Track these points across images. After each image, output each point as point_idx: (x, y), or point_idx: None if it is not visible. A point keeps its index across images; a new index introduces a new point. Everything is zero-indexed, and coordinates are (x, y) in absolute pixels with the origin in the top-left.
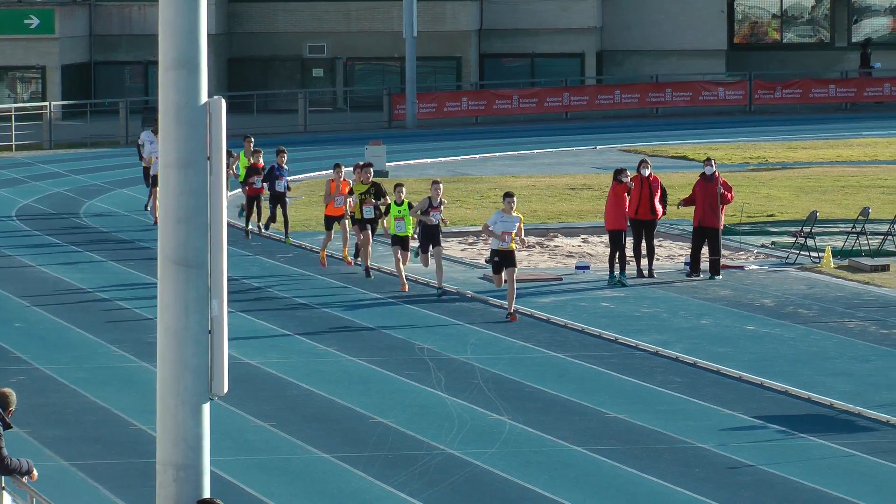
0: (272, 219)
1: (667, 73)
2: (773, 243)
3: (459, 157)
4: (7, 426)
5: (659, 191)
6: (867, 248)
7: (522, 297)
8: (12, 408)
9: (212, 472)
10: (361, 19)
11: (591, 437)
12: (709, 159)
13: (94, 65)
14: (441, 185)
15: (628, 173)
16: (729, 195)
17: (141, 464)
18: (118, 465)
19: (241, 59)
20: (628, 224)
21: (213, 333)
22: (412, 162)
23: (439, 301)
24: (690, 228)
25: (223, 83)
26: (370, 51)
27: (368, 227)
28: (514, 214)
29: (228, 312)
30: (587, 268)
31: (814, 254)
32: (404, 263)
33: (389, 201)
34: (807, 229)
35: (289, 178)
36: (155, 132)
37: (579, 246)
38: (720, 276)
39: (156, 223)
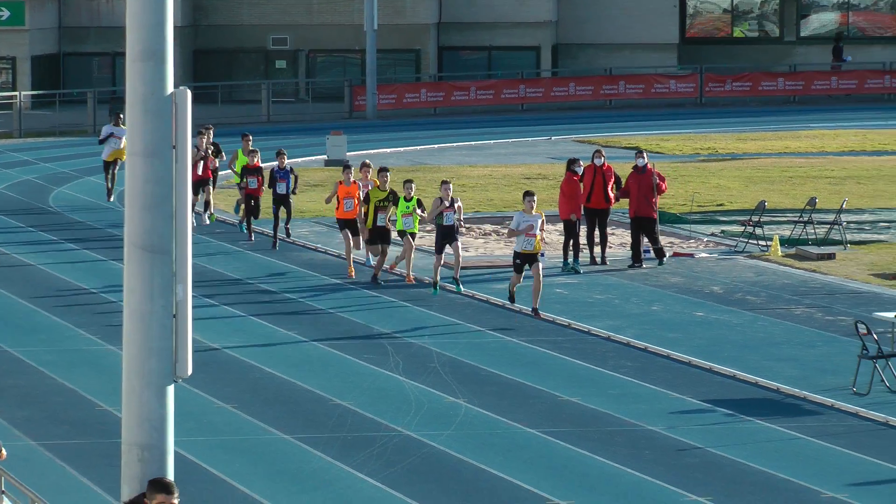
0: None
1: (620, 66)
2: (722, 232)
3: (418, 147)
4: None
5: (612, 180)
6: (814, 237)
7: (479, 283)
8: None
9: (176, 452)
10: (323, 12)
11: (545, 420)
12: (640, 151)
13: (63, 56)
14: (450, 184)
15: (581, 164)
16: (663, 185)
17: (107, 444)
18: (85, 446)
19: (206, 50)
20: (582, 212)
21: (178, 317)
22: (372, 151)
23: (398, 287)
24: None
25: (189, 74)
26: (332, 43)
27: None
28: (535, 213)
29: (193, 297)
30: (542, 255)
31: (762, 242)
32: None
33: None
34: (755, 218)
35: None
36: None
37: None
38: (665, 262)
39: None
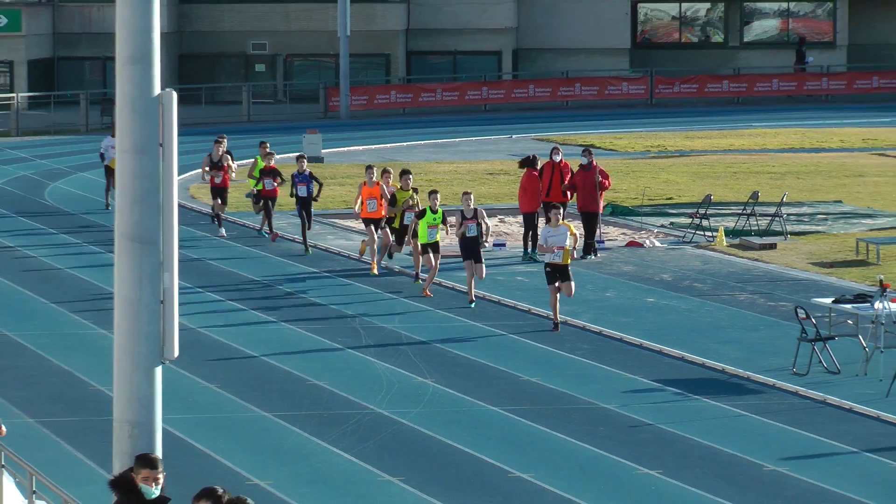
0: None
1: (576, 70)
2: (671, 224)
3: (388, 145)
4: None
5: (569, 175)
6: (756, 228)
7: (443, 272)
8: None
9: (163, 429)
10: (300, 19)
11: (507, 399)
12: (586, 149)
13: (58, 60)
14: (471, 195)
15: (539, 160)
16: (606, 182)
17: (99, 421)
18: (79, 423)
19: (190, 55)
20: (540, 206)
21: (165, 303)
22: (346, 149)
23: (375, 276)
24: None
25: (174, 77)
26: (308, 48)
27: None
28: (562, 225)
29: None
30: (503, 245)
31: (708, 233)
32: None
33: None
34: (702, 211)
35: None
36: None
37: (496, 226)
38: (595, 257)
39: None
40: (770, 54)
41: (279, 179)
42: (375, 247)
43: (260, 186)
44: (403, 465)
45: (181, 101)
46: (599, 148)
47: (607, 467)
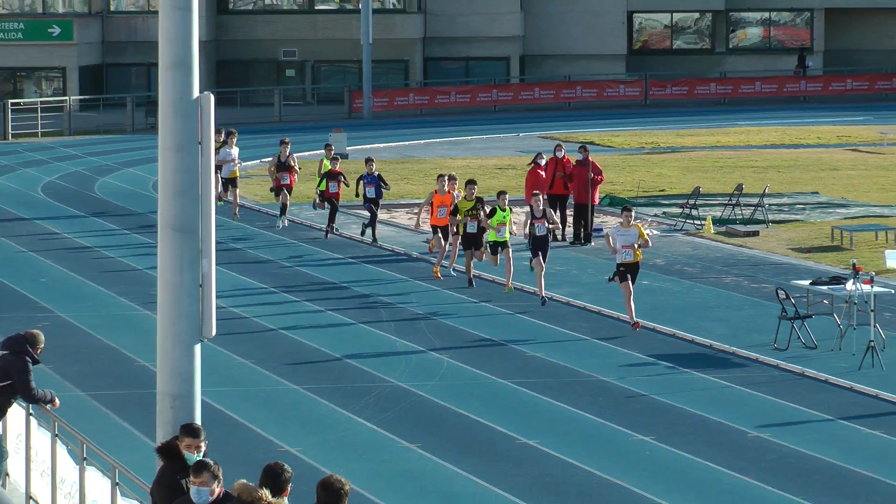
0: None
1: (577, 74)
2: (664, 213)
3: (407, 143)
4: (36, 362)
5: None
6: (741, 217)
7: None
8: (41, 346)
9: (203, 401)
10: (327, 29)
11: (516, 372)
12: (582, 146)
13: (106, 66)
14: (541, 195)
15: (544, 156)
16: (599, 177)
17: (144, 394)
18: (126, 395)
19: (226, 61)
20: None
21: (204, 286)
22: (368, 146)
23: (399, 261)
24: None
25: (212, 81)
26: (334, 55)
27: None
28: (632, 226)
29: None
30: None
31: (697, 222)
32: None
33: (489, 221)
34: (691, 202)
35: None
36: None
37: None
38: (590, 244)
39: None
40: (754, 59)
41: (343, 182)
42: (446, 250)
43: (323, 186)
44: (421, 433)
45: (218, 103)
46: (598, 145)
47: (606, 434)
